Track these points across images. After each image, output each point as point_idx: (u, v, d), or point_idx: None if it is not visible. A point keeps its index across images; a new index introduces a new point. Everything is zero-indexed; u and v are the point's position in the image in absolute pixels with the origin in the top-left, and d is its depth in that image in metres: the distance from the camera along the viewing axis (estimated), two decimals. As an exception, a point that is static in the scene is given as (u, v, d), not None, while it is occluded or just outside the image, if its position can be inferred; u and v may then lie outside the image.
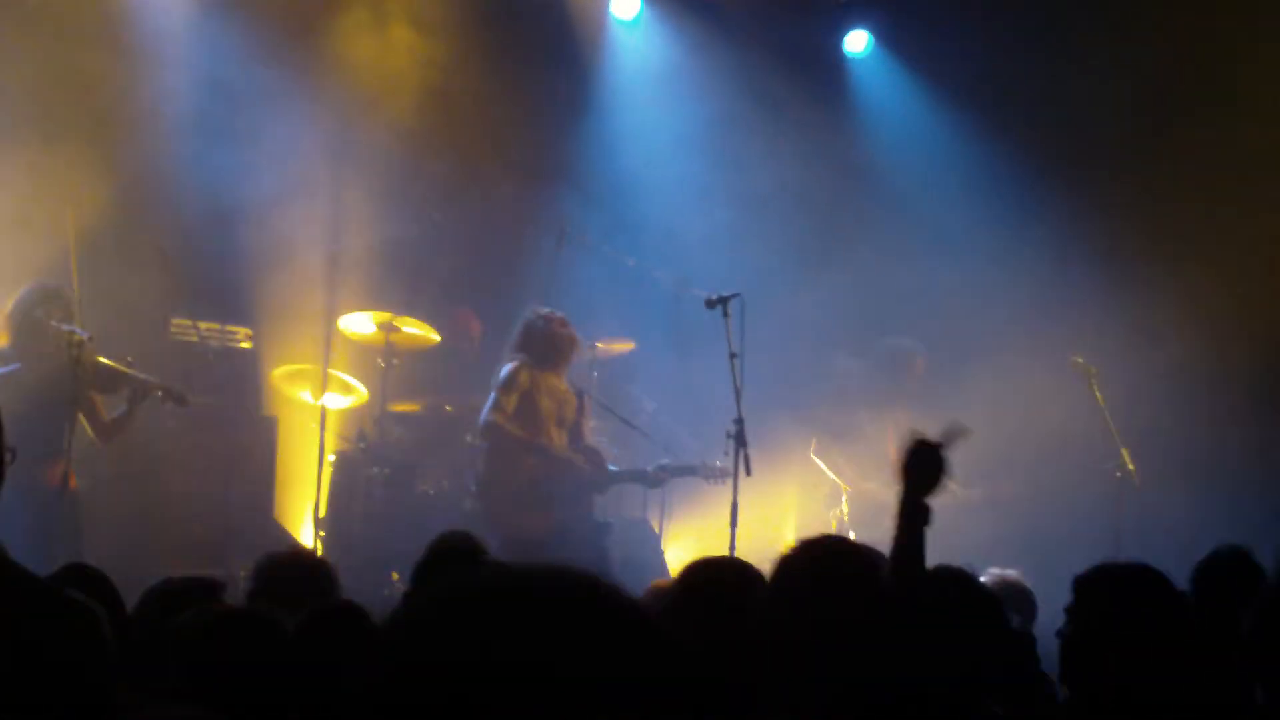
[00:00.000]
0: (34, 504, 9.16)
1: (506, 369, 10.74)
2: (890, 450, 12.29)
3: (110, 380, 10.19)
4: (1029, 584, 7.35)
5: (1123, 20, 12.78)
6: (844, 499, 12.07)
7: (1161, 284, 12.36)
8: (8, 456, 4.03)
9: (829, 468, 12.14)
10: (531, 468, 10.63)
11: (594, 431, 11.57)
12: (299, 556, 6.73)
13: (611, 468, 11.09)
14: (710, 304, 10.06)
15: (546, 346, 10.82)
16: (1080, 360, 11.15)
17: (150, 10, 12.29)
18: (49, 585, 3.85)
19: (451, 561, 5.48)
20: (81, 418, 9.97)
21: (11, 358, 10.02)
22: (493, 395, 10.67)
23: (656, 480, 11.12)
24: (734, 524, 9.45)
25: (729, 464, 10.23)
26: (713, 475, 10.90)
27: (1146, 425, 11.52)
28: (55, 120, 11.59)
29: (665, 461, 11.23)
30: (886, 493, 11.96)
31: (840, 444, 12.24)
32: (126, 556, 9.75)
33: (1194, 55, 12.50)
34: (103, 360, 10.16)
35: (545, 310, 10.99)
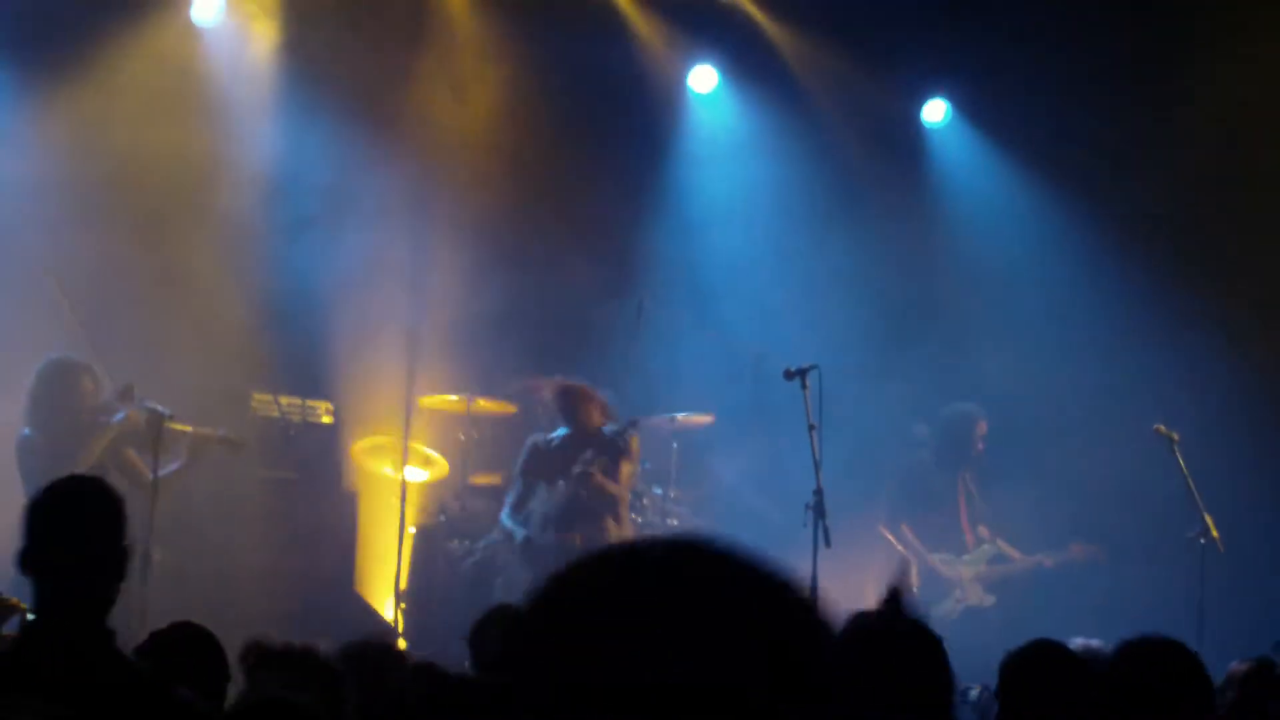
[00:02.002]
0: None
1: (522, 454, 11.45)
2: (962, 517, 12.22)
3: (151, 436, 10.07)
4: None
5: (1207, 86, 12.70)
6: (914, 571, 11.99)
7: (1246, 350, 12.25)
8: (132, 548, 4.09)
9: (898, 540, 12.08)
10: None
11: (649, 508, 11.67)
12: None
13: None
14: (789, 376, 10.03)
15: (558, 404, 11.44)
16: (1163, 428, 11.03)
17: (233, 89, 12.47)
18: (163, 684, 3.87)
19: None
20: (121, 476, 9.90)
21: (37, 438, 9.97)
22: (511, 490, 11.50)
23: None
24: (814, 598, 9.35)
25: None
26: None
27: (1230, 492, 11.37)
28: (131, 193, 11.75)
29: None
30: (956, 563, 11.96)
31: (911, 515, 12.18)
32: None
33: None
34: (176, 425, 10.14)
35: (564, 380, 11.56)
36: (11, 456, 10.12)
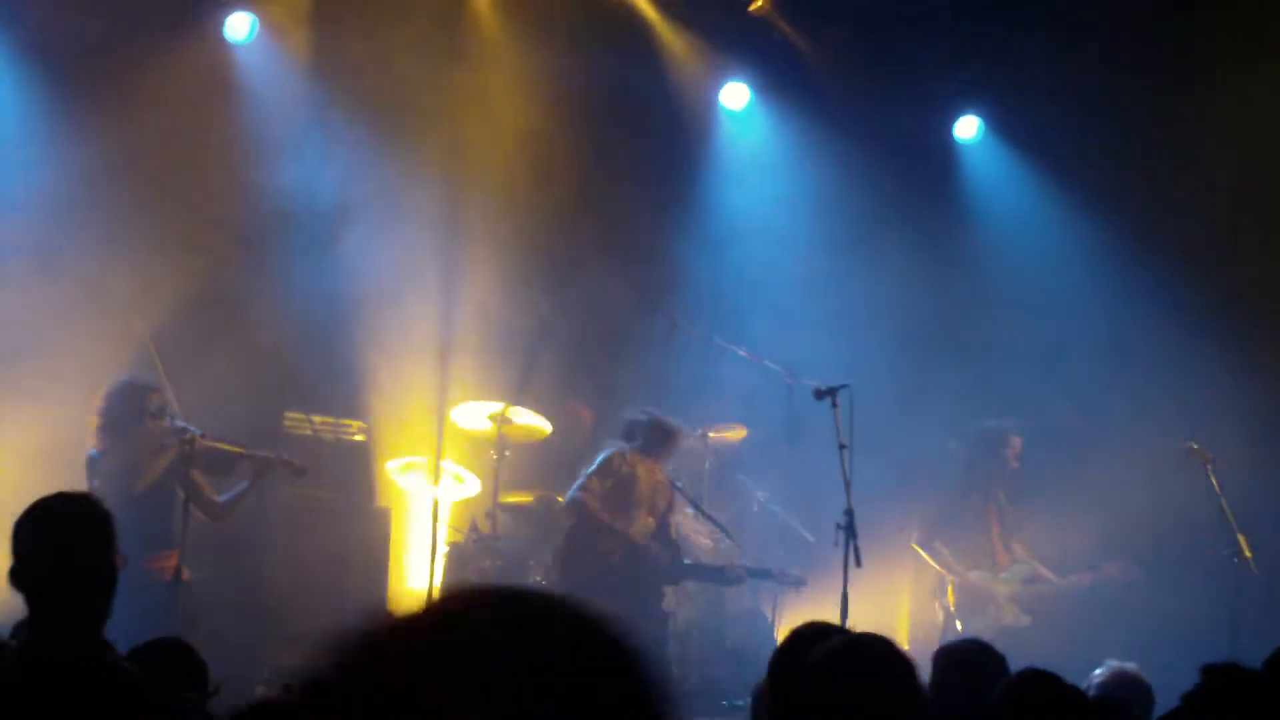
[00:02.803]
0: (146, 598, 9.21)
1: (604, 453, 11.12)
2: (994, 535, 12.18)
3: (216, 460, 10.25)
4: (1146, 677, 7.21)
5: (1239, 103, 12.65)
6: (949, 588, 11.97)
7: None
8: (120, 561, 4.12)
9: (932, 557, 12.06)
10: (608, 551, 10.87)
11: (681, 525, 11.66)
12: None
13: (686, 562, 11.32)
14: (819, 395, 10.02)
15: (655, 434, 11.16)
16: (1196, 446, 10.98)
17: (266, 106, 12.52)
18: (163, 692, 3.90)
19: None
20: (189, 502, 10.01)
21: (109, 458, 10.07)
22: (584, 475, 11.01)
23: (732, 579, 11.32)
24: (844, 616, 9.34)
25: (803, 573, 11.02)
26: (786, 582, 11.28)
27: (1264, 511, 11.32)
28: (165, 212, 11.82)
29: (744, 563, 11.45)
30: (991, 581, 11.92)
31: (943, 532, 12.15)
32: (238, 648, 9.84)
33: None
34: (211, 444, 10.24)
35: (654, 409, 11.33)
36: (14, 468, 10.18)
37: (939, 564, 12.05)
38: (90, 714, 3.99)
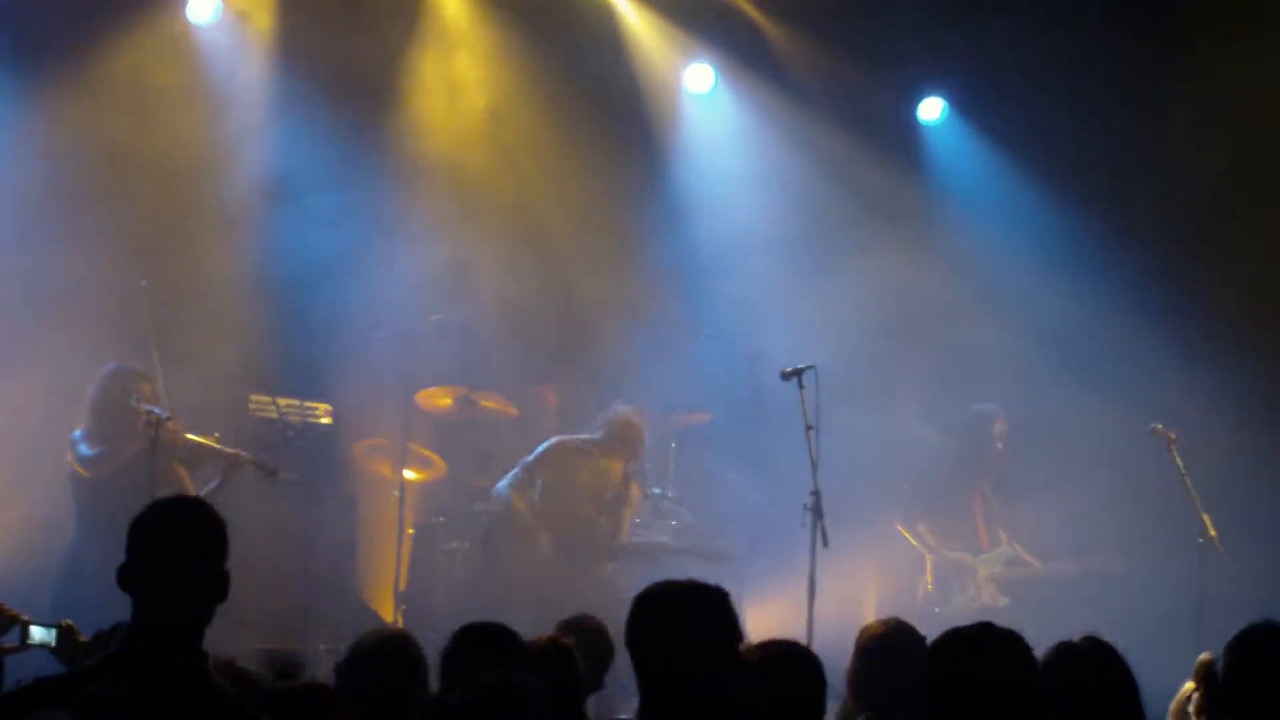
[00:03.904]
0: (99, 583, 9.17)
1: (544, 444, 11.31)
2: (978, 518, 12.21)
3: (197, 455, 10.27)
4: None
5: (1208, 84, 12.67)
6: (928, 568, 12.01)
7: (1246, 349, 12.26)
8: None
9: (914, 538, 12.09)
10: (532, 541, 11.12)
11: (633, 526, 11.71)
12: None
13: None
14: (785, 376, 10.01)
15: (616, 432, 11.34)
16: (1160, 427, 11.01)
17: (230, 87, 12.46)
18: (252, 712, 3.91)
19: (480, 654, 5.41)
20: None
21: (88, 440, 10.10)
22: (519, 465, 11.26)
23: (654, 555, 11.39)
24: (812, 597, 9.35)
25: (730, 547, 11.23)
26: (708, 556, 11.31)
27: (1229, 491, 11.36)
28: (130, 196, 11.77)
29: (663, 540, 11.62)
30: (971, 561, 11.95)
31: (925, 514, 12.18)
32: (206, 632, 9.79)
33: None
34: (190, 436, 10.25)
35: (628, 407, 11.42)
36: (13, 456, 10.17)
37: (921, 545, 12.08)
38: None
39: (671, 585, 4.80)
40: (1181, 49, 12.84)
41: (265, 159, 12.29)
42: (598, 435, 11.33)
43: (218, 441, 10.40)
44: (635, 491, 11.39)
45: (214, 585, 4.18)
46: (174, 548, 4.13)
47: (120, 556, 4.18)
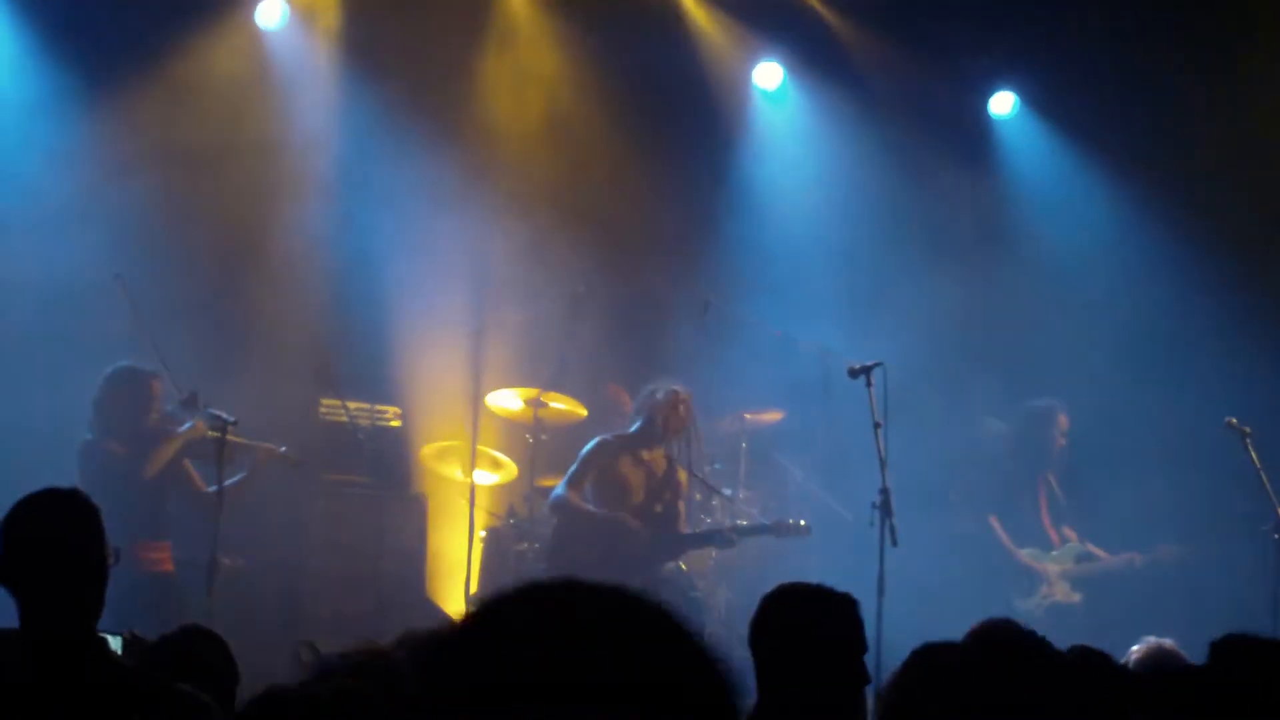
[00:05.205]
0: (147, 591, 9.13)
1: (587, 447, 11.04)
2: (1044, 514, 12.11)
3: (212, 450, 9.96)
4: (1186, 653, 7.14)
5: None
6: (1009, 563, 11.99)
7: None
8: (111, 558, 4.11)
9: (1003, 534, 12.02)
10: (596, 541, 10.78)
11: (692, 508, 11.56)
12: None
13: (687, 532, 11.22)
14: (853, 373, 9.97)
15: (650, 419, 11.00)
16: (1234, 421, 10.86)
17: (298, 91, 12.52)
18: (161, 681, 3.89)
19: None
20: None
21: (102, 444, 9.97)
22: (570, 470, 10.97)
23: (728, 541, 11.10)
24: (880, 594, 9.29)
25: (804, 524, 10.84)
26: (786, 533, 10.98)
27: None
28: (199, 203, 11.83)
29: (740, 523, 11.34)
30: (1043, 560, 11.85)
31: (994, 512, 12.09)
32: (277, 636, 9.82)
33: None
34: (211, 433, 10.10)
35: (667, 385, 11.12)
36: (13, 454, 10.13)
37: (1005, 542, 12.02)
38: (81, 708, 3.98)
39: (800, 587, 4.78)
40: (1271, 31, 12.64)
41: (334, 161, 12.33)
42: (634, 427, 11.16)
43: (234, 432, 10.08)
44: (682, 475, 11.20)
45: (93, 570, 4.18)
46: (50, 538, 4.15)
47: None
